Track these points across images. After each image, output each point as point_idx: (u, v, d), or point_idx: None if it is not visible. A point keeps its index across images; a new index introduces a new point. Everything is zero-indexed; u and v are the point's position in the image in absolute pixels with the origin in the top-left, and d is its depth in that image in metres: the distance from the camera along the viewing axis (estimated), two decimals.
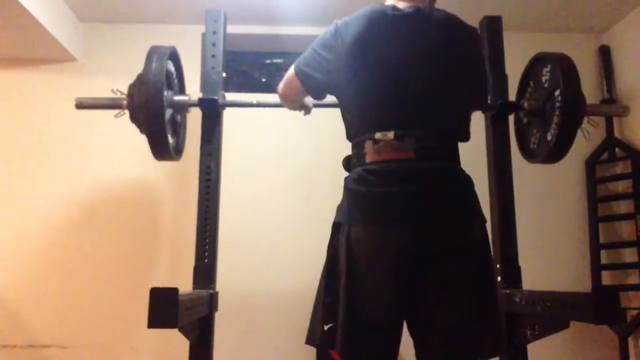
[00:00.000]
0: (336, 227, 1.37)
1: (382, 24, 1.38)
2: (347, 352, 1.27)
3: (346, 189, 1.38)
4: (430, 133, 1.33)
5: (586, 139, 1.87)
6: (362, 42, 1.37)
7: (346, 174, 1.42)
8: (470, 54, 1.45)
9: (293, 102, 1.71)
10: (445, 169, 1.35)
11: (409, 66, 1.35)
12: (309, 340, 1.35)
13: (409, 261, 1.27)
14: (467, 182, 1.38)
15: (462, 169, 1.40)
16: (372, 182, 1.31)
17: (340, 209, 1.38)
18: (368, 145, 1.34)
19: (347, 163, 1.44)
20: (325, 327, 1.31)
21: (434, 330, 1.31)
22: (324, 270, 1.37)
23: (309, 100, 1.79)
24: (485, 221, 1.38)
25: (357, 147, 1.39)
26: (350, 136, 1.43)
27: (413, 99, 1.34)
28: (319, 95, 1.55)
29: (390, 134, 1.31)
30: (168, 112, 1.82)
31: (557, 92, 1.75)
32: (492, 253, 1.40)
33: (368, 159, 1.34)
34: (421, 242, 1.27)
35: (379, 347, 1.30)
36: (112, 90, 1.81)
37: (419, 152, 1.30)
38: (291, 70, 1.51)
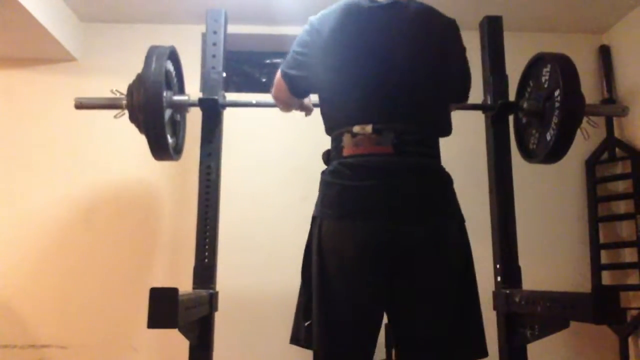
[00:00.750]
0: (312, 221, 1.36)
1: (357, 15, 1.36)
2: (322, 348, 1.27)
3: (321, 181, 1.36)
4: (409, 127, 1.30)
5: (585, 139, 1.87)
6: (338, 34, 1.35)
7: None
8: (449, 44, 1.43)
9: (287, 104, 1.69)
10: (424, 165, 1.32)
11: (386, 58, 1.33)
12: (293, 340, 1.35)
13: (382, 259, 1.25)
14: (445, 180, 1.36)
15: (441, 165, 1.37)
16: (347, 176, 1.28)
17: (316, 202, 1.36)
18: (346, 139, 1.32)
19: (327, 157, 1.42)
20: (306, 324, 1.31)
21: (411, 333, 1.29)
22: (302, 266, 1.37)
23: (308, 100, 1.79)
24: (463, 220, 1.36)
25: (335, 140, 1.37)
26: (329, 130, 1.42)
27: (392, 92, 1.31)
28: (303, 94, 1.56)
29: (369, 128, 1.28)
30: (167, 112, 1.82)
31: (556, 93, 1.74)
32: (471, 253, 1.38)
33: (345, 152, 1.32)
34: (395, 239, 1.24)
35: (352, 343, 1.28)
36: (112, 91, 1.81)
37: (398, 147, 1.28)
38: (277, 74, 1.53)
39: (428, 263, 1.27)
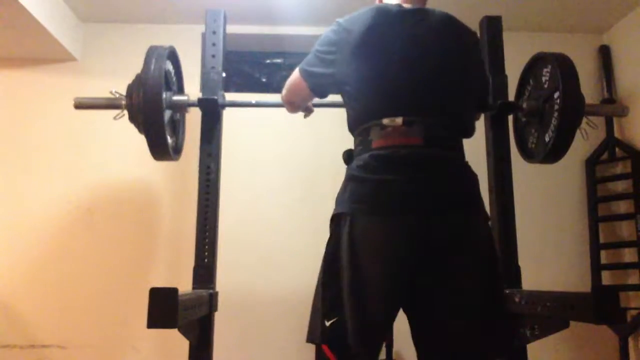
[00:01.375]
0: (337, 218, 1.32)
1: (388, 17, 1.39)
2: (358, 345, 1.24)
3: (349, 176, 1.34)
4: (439, 121, 1.31)
5: (585, 139, 1.87)
6: (368, 33, 1.37)
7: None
8: (472, 51, 1.48)
9: (298, 107, 1.70)
10: (454, 159, 1.34)
11: (416, 55, 1.35)
12: (310, 338, 1.31)
13: (416, 253, 1.24)
14: (474, 177, 1.38)
15: (470, 166, 1.39)
16: (377, 169, 1.27)
17: (340, 199, 1.33)
18: (374, 131, 1.31)
19: (348, 156, 1.41)
20: (327, 323, 1.27)
21: (437, 328, 1.28)
22: (322, 265, 1.33)
23: (310, 103, 1.79)
24: (489, 218, 1.38)
25: (362, 134, 1.35)
26: (354, 126, 1.40)
27: (422, 86, 1.33)
28: (325, 92, 1.54)
29: (399, 120, 1.28)
30: (167, 112, 1.82)
31: (556, 92, 1.74)
32: (497, 249, 1.40)
33: (374, 144, 1.30)
34: (429, 233, 1.24)
35: (379, 337, 1.32)
36: (111, 92, 1.81)
37: (428, 140, 1.28)
38: (295, 74, 1.52)
39: (463, 260, 1.26)
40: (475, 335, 1.26)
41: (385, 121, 1.29)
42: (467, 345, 1.26)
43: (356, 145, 1.39)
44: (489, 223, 1.38)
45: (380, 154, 1.29)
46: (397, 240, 1.24)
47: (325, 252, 1.33)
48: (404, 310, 1.33)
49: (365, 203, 1.27)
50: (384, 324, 1.30)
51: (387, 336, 1.36)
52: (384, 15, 1.40)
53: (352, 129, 1.42)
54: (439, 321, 1.28)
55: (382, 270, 1.25)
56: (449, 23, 1.44)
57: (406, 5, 1.44)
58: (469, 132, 1.44)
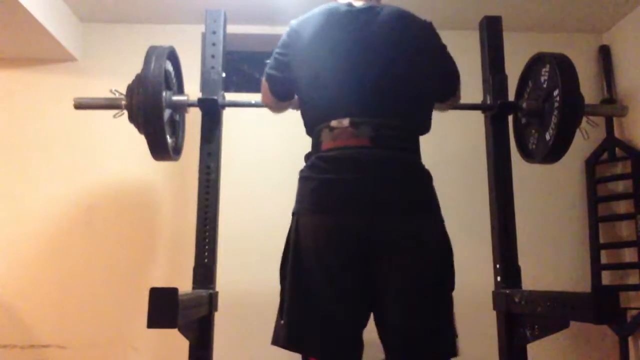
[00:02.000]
0: (291, 218, 1.36)
1: (336, 18, 1.40)
2: (288, 345, 1.26)
3: (299, 178, 1.38)
4: (387, 122, 1.31)
5: (585, 139, 1.87)
6: (317, 35, 1.40)
7: None
8: (426, 44, 1.45)
9: (274, 108, 1.69)
10: (404, 159, 1.32)
11: (363, 56, 1.36)
12: (274, 340, 1.31)
13: (359, 254, 1.24)
14: (425, 176, 1.35)
15: (421, 162, 1.37)
16: (324, 169, 1.29)
17: (295, 199, 1.37)
18: (324, 134, 1.33)
19: (307, 156, 1.44)
20: (282, 322, 1.29)
21: (387, 329, 1.29)
22: (280, 264, 1.35)
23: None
24: (442, 220, 1.35)
25: (314, 137, 1.39)
26: (309, 129, 1.44)
27: (369, 87, 1.33)
28: (284, 96, 1.57)
29: (346, 121, 1.30)
30: (167, 112, 1.82)
31: (555, 92, 1.75)
32: (451, 253, 1.35)
33: (323, 146, 1.33)
34: (373, 234, 1.24)
35: (328, 345, 1.26)
36: (111, 91, 1.81)
37: (376, 140, 1.28)
38: (263, 78, 1.56)
39: (405, 261, 1.26)
40: (421, 336, 1.26)
41: (333, 123, 1.31)
42: (410, 347, 1.26)
43: (312, 146, 1.41)
44: (443, 225, 1.35)
45: (328, 155, 1.31)
46: (337, 240, 1.25)
47: (284, 248, 1.36)
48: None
49: (309, 202, 1.30)
50: (330, 324, 1.25)
51: (354, 339, 1.29)
52: (331, 16, 1.41)
53: (307, 132, 1.45)
54: (386, 322, 1.29)
55: (325, 271, 1.25)
56: (399, 19, 1.42)
57: (356, 4, 1.43)
58: (424, 129, 1.44)
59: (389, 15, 1.41)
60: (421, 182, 1.34)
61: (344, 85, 1.35)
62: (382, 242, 1.25)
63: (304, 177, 1.36)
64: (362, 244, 1.25)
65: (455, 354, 1.28)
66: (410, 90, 1.38)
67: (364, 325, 1.31)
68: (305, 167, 1.38)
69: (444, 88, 1.55)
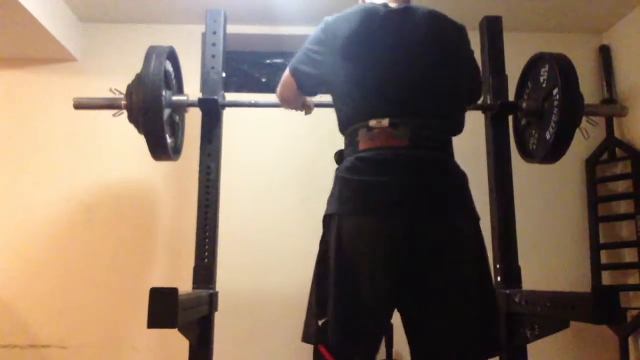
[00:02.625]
0: (327, 219, 1.34)
1: (375, 18, 1.40)
2: (349, 344, 1.25)
3: (337, 178, 1.35)
4: (426, 122, 1.31)
5: (585, 139, 1.87)
6: (356, 34, 1.38)
7: None
8: (461, 46, 1.48)
9: (291, 103, 1.69)
10: (442, 160, 1.33)
11: (403, 56, 1.37)
12: (305, 338, 1.32)
13: (403, 255, 1.25)
14: (463, 177, 1.36)
15: (456, 163, 1.38)
16: (364, 171, 1.28)
17: (330, 200, 1.35)
18: (361, 133, 1.32)
19: (340, 157, 1.42)
20: (320, 322, 1.27)
21: (427, 330, 1.28)
22: (315, 265, 1.34)
23: (310, 100, 1.79)
24: (479, 219, 1.36)
25: (350, 136, 1.37)
26: (343, 127, 1.42)
27: (408, 88, 1.34)
28: (312, 91, 1.57)
29: (385, 121, 1.29)
30: (166, 112, 1.82)
31: (555, 92, 1.75)
32: (486, 253, 1.37)
33: (361, 146, 1.32)
34: (416, 235, 1.24)
35: (371, 337, 1.29)
36: (111, 90, 1.81)
37: (414, 141, 1.28)
38: (286, 72, 1.52)
39: (444, 263, 1.26)
40: (463, 336, 1.25)
41: (372, 123, 1.30)
42: (455, 346, 1.26)
43: (345, 146, 1.40)
44: (479, 224, 1.36)
45: (366, 156, 1.30)
46: (382, 241, 1.25)
47: (318, 252, 1.35)
48: (398, 310, 1.33)
49: (351, 204, 1.29)
50: (373, 324, 1.28)
51: (382, 336, 1.34)
52: (370, 16, 1.40)
53: (342, 130, 1.44)
54: (427, 323, 1.29)
55: (368, 270, 1.25)
56: (435, 20, 1.44)
57: (392, 5, 1.44)
58: (458, 130, 1.44)
59: (424, 16, 1.42)
60: (458, 184, 1.34)
61: (383, 85, 1.34)
62: (422, 244, 1.25)
63: (342, 178, 1.33)
64: (404, 245, 1.25)
65: (502, 349, 1.31)
66: (448, 90, 1.39)
67: (389, 322, 1.34)
68: (343, 167, 1.35)
69: (474, 90, 1.60)
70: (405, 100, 1.33)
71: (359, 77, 1.37)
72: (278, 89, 1.61)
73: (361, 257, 1.26)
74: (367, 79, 1.36)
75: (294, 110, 1.80)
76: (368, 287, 1.25)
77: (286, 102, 1.68)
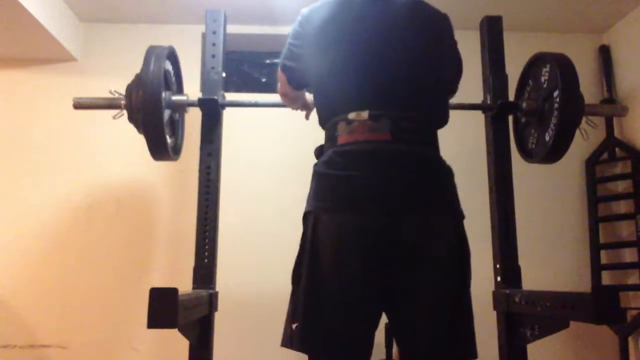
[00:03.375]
0: (305, 217, 1.28)
1: (350, 7, 1.35)
2: (307, 349, 1.22)
3: (314, 173, 1.29)
4: (407, 114, 1.25)
5: (584, 139, 1.87)
6: (331, 23, 1.34)
7: None
8: (444, 35, 1.42)
9: (290, 99, 1.67)
10: (425, 154, 1.27)
11: (381, 46, 1.30)
12: (283, 342, 1.26)
13: (377, 253, 1.19)
14: (445, 172, 1.30)
15: (441, 156, 1.32)
16: (342, 165, 1.22)
17: (308, 197, 1.29)
18: (341, 127, 1.27)
19: (320, 152, 1.36)
20: (293, 326, 1.23)
21: (409, 329, 1.25)
22: (294, 266, 1.29)
23: (311, 101, 1.79)
24: (463, 217, 1.31)
25: (330, 130, 1.32)
26: (323, 121, 1.37)
27: (388, 78, 1.28)
28: (300, 85, 1.53)
29: (365, 114, 1.23)
30: (166, 112, 1.82)
31: (555, 93, 1.75)
32: (468, 252, 1.32)
33: (340, 140, 1.26)
34: (396, 234, 1.19)
35: (345, 343, 1.21)
36: (110, 92, 1.81)
37: (396, 134, 1.22)
38: (278, 69, 1.52)
39: (422, 261, 1.21)
40: (441, 336, 1.22)
41: (351, 115, 1.25)
42: (434, 346, 1.22)
43: (325, 141, 1.34)
44: (462, 221, 1.31)
45: (345, 150, 1.24)
46: (357, 238, 1.19)
47: (298, 252, 1.31)
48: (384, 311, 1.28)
49: (328, 200, 1.23)
50: (345, 324, 1.20)
51: (368, 341, 1.25)
52: (346, 4, 1.35)
53: (321, 124, 1.38)
54: (404, 322, 1.26)
55: (341, 269, 1.20)
56: (417, 9, 1.38)
57: None
58: (443, 121, 1.38)
59: (404, 4, 1.37)
60: (443, 179, 1.29)
61: (361, 76, 1.28)
62: (405, 242, 1.20)
63: (320, 174, 1.27)
64: (385, 243, 1.20)
65: (475, 356, 1.25)
66: (428, 80, 1.33)
67: (377, 325, 1.27)
68: (320, 161, 1.29)
69: (452, 80, 1.50)
70: (384, 93, 1.27)
71: (335, 69, 1.31)
72: (277, 86, 1.61)
73: (340, 256, 1.20)
74: (344, 70, 1.29)
75: (294, 110, 1.79)
76: (346, 287, 1.19)
77: (286, 98, 1.66)
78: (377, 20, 1.33)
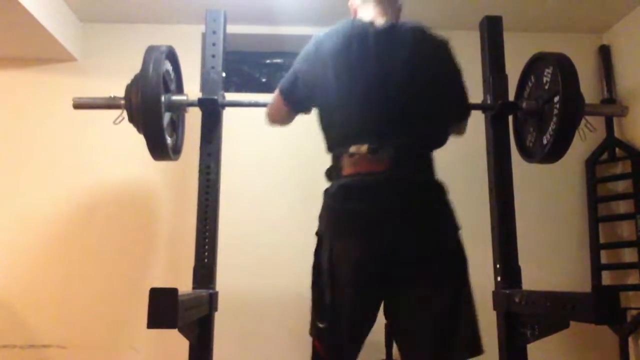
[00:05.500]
0: (319, 236, 1.44)
1: (361, 39, 1.42)
2: (331, 346, 1.38)
3: (324, 203, 1.44)
4: (407, 142, 1.36)
5: (582, 140, 1.87)
6: (340, 55, 1.42)
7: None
8: (445, 62, 1.49)
9: (285, 121, 1.67)
10: (420, 180, 1.39)
11: (384, 80, 1.39)
12: (311, 332, 1.42)
13: (385, 268, 1.34)
14: (441, 192, 1.41)
15: (436, 179, 1.43)
16: (345, 198, 1.36)
17: (321, 219, 1.44)
18: (344, 159, 1.39)
19: (329, 174, 1.49)
20: (321, 325, 1.38)
21: (412, 333, 1.37)
22: (312, 270, 1.44)
23: None
24: (459, 229, 1.41)
25: (335, 160, 1.44)
26: (328, 148, 1.49)
27: (388, 109, 1.38)
28: (303, 109, 1.58)
29: (364, 148, 1.35)
30: (166, 113, 1.82)
31: (556, 99, 1.75)
32: (466, 260, 1.42)
33: (344, 172, 1.39)
34: (395, 254, 1.33)
35: (353, 345, 1.40)
36: (111, 97, 1.82)
37: (393, 164, 1.34)
38: (276, 92, 1.56)
39: (425, 273, 1.35)
40: (446, 340, 1.33)
41: (352, 149, 1.36)
42: (435, 346, 1.33)
43: (332, 167, 1.46)
44: (459, 234, 1.42)
45: (348, 183, 1.37)
46: (365, 260, 1.34)
47: (313, 264, 1.44)
48: (385, 317, 1.43)
49: (339, 228, 1.38)
50: (358, 326, 1.39)
51: (364, 338, 1.43)
52: (357, 37, 1.43)
53: (327, 150, 1.50)
54: (414, 327, 1.37)
55: (354, 286, 1.35)
56: (419, 37, 1.46)
57: (378, 22, 1.46)
58: (441, 144, 1.48)
59: (408, 33, 1.45)
60: (436, 200, 1.40)
61: (365, 110, 1.38)
62: (404, 259, 1.34)
63: (329, 205, 1.42)
64: (388, 262, 1.34)
65: (480, 353, 1.35)
66: (431, 109, 1.42)
67: (372, 325, 1.43)
68: (329, 192, 1.42)
69: (460, 108, 1.58)
70: (385, 125, 1.37)
71: (342, 102, 1.41)
72: (268, 110, 1.64)
73: (350, 274, 1.34)
74: (350, 104, 1.40)
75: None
76: (355, 297, 1.36)
77: (278, 121, 1.68)
78: (382, 53, 1.41)
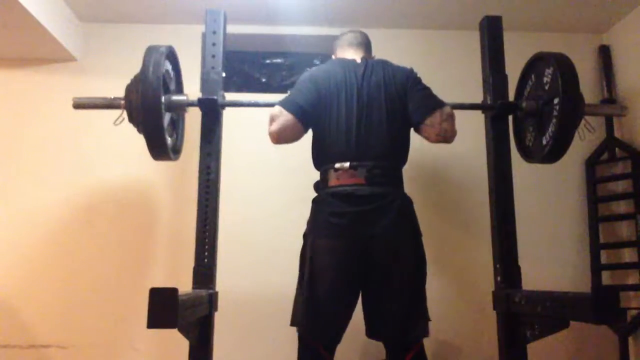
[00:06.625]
0: (305, 236, 1.76)
1: (347, 75, 1.77)
2: (308, 330, 1.71)
3: (312, 208, 1.77)
4: (377, 164, 1.70)
5: (582, 140, 1.87)
6: (327, 88, 1.75)
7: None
8: (408, 86, 1.79)
9: (296, 138, 1.78)
10: (389, 193, 1.70)
11: (363, 110, 1.73)
12: (291, 323, 1.77)
13: (358, 264, 1.66)
14: (406, 203, 1.74)
15: (403, 191, 1.77)
16: (332, 203, 1.70)
17: (308, 223, 1.77)
18: (330, 173, 1.73)
19: (317, 187, 1.81)
20: (300, 300, 1.73)
21: (378, 317, 1.68)
22: (299, 268, 1.77)
23: None
24: (420, 235, 1.75)
25: (323, 174, 1.78)
26: (317, 165, 1.82)
27: (365, 137, 1.71)
28: (309, 126, 1.79)
29: (346, 165, 1.70)
30: (166, 113, 1.82)
31: (556, 101, 1.75)
32: (424, 258, 1.73)
33: (330, 183, 1.73)
34: (366, 250, 1.65)
35: (328, 330, 1.71)
36: (110, 98, 1.82)
37: (369, 179, 1.69)
38: (277, 110, 1.73)
39: (389, 269, 1.66)
40: (406, 322, 1.65)
41: (337, 165, 1.72)
42: (400, 329, 1.65)
43: (320, 180, 1.80)
44: (420, 239, 1.74)
45: (334, 191, 1.71)
46: (343, 256, 1.66)
47: (299, 258, 1.78)
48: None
49: (322, 230, 1.70)
50: (333, 318, 1.69)
51: (343, 329, 1.73)
52: (343, 73, 1.77)
53: (315, 167, 1.83)
54: (379, 313, 1.68)
55: (331, 277, 1.66)
56: (385, 71, 1.80)
57: (358, 60, 1.84)
58: (404, 164, 1.82)
59: (377, 69, 1.80)
60: (402, 209, 1.71)
61: (347, 136, 1.72)
62: (377, 257, 1.66)
63: (315, 210, 1.76)
64: (362, 258, 1.66)
65: (427, 335, 1.69)
66: (397, 133, 1.76)
67: (352, 308, 1.73)
68: (317, 199, 1.77)
69: (417, 109, 1.76)
70: (361, 147, 1.71)
71: (331, 127, 1.74)
72: (273, 128, 1.74)
73: (329, 268, 1.67)
74: (336, 130, 1.73)
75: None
76: (332, 289, 1.67)
77: (282, 140, 1.77)
78: (358, 86, 1.75)
